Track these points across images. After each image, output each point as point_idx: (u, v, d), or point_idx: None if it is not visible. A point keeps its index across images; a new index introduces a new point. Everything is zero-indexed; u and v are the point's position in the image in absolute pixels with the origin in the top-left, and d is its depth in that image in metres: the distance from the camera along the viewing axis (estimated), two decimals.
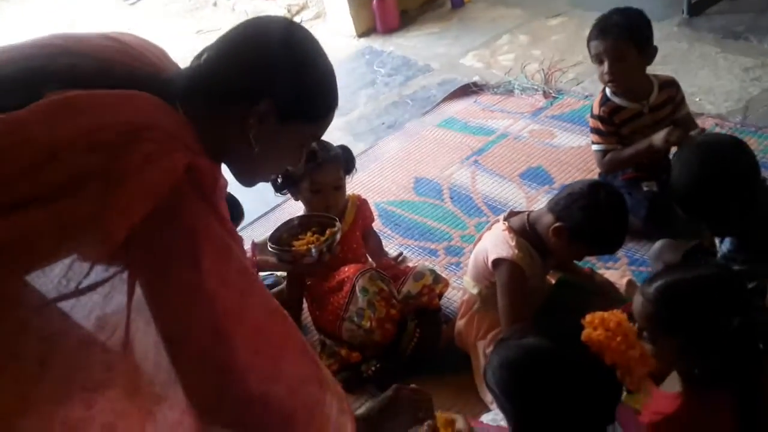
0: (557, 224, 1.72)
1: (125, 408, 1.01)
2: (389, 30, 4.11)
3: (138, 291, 0.97)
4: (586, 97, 3.03)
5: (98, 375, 0.99)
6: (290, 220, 1.99)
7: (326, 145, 2.06)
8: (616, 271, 2.06)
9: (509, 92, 3.25)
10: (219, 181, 1.07)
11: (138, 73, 1.04)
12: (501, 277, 1.76)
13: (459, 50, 3.77)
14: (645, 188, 2.20)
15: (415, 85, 3.53)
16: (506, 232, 1.79)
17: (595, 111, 2.26)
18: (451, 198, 2.64)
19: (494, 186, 2.65)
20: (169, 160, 0.95)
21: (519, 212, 1.87)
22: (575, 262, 2.03)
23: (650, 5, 3.71)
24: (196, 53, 1.08)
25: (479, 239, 1.91)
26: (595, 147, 2.30)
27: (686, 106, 2.28)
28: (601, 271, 2.03)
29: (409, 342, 1.91)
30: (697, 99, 2.78)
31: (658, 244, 1.95)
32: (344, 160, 2.09)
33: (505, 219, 1.85)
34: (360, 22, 4.15)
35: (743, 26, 3.25)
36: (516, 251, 1.75)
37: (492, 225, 1.90)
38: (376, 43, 4.05)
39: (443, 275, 2.22)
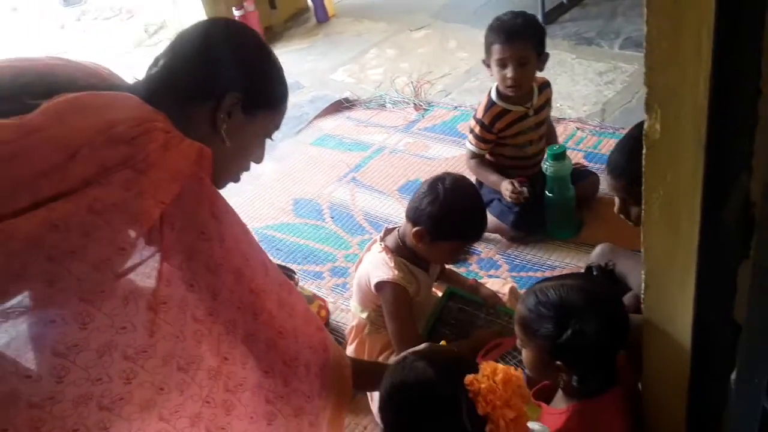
0: (415, 229, 1.71)
1: (141, 425, 1.04)
2: None
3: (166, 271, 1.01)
4: (455, 108, 3.10)
5: (117, 389, 0.99)
6: None
7: None
8: (498, 279, 2.09)
9: (381, 106, 3.26)
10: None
11: (100, 85, 1.08)
12: (386, 300, 1.74)
13: (328, 65, 3.75)
14: None
15: None
16: (383, 253, 1.77)
17: (479, 115, 2.29)
18: (332, 217, 2.60)
19: (374, 202, 2.64)
20: (184, 145, 1.02)
21: (393, 228, 1.86)
22: (458, 272, 2.05)
23: None
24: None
25: (360, 261, 1.88)
26: (468, 146, 2.35)
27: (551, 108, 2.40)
28: (483, 280, 2.06)
29: None
30: (558, 104, 2.90)
31: (597, 248, 1.89)
32: None
33: (382, 239, 1.82)
34: None
35: (594, 32, 3.45)
36: (396, 272, 1.73)
37: (370, 246, 1.87)
38: None
39: (330, 298, 2.18)
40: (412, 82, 3.34)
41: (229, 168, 1.19)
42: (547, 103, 2.35)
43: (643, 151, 1.03)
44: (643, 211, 1.08)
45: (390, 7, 4.30)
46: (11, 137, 0.91)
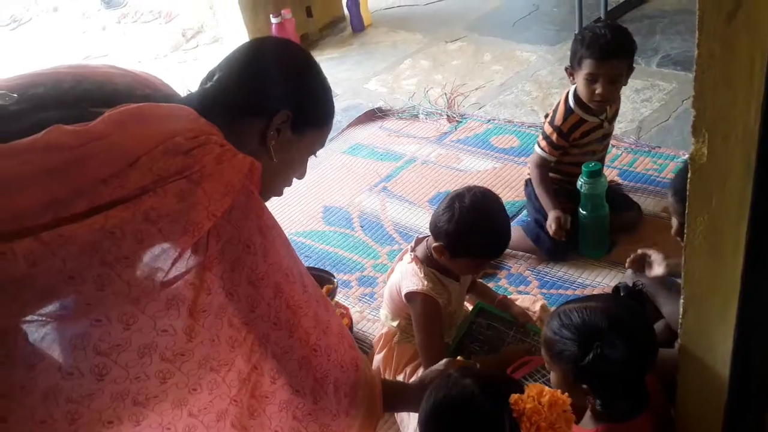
0: (435, 244, 1.70)
1: (172, 420, 1.06)
2: None
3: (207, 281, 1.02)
4: (489, 120, 3.09)
5: (153, 388, 1.01)
6: None
7: None
8: (528, 296, 2.07)
9: (414, 117, 3.26)
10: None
11: (155, 95, 1.11)
12: (415, 310, 1.73)
13: (362, 75, 3.76)
14: None
15: None
16: (414, 263, 1.76)
17: (558, 122, 2.22)
18: (362, 226, 2.60)
19: (404, 212, 2.63)
20: (237, 159, 1.04)
21: (423, 238, 1.84)
22: (489, 286, 2.03)
23: (543, 29, 3.88)
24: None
25: (392, 271, 1.88)
26: (538, 151, 2.27)
27: None
28: (513, 296, 2.04)
29: None
30: None
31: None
32: None
33: (413, 249, 1.82)
34: None
35: None
36: (426, 283, 1.72)
37: (402, 255, 1.87)
38: None
39: (357, 307, 2.18)
40: (445, 94, 3.34)
41: (275, 183, 1.21)
42: (616, 115, 2.30)
43: (688, 175, 1.01)
44: (685, 235, 1.06)
45: (426, 19, 4.31)
46: (75, 143, 0.93)
